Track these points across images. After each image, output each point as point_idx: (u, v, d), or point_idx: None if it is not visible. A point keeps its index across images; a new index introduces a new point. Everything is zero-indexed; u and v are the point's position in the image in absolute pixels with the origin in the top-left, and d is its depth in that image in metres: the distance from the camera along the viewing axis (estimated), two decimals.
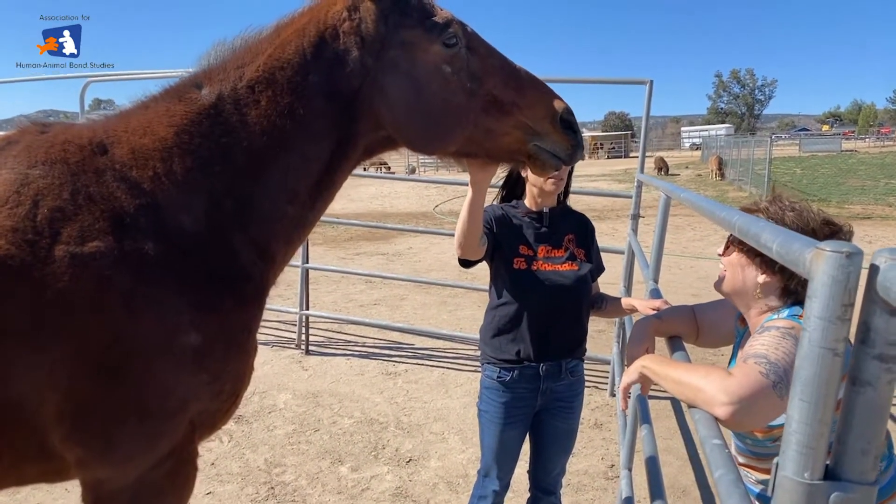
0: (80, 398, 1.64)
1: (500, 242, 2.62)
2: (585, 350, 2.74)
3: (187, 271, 1.77)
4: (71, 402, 1.63)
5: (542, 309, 2.56)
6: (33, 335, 1.58)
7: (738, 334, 1.90)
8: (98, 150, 1.79)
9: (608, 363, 5.37)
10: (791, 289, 1.67)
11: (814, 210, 1.74)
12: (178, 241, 1.78)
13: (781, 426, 1.14)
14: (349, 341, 6.53)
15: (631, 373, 1.67)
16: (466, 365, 5.83)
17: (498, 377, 2.61)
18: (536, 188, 2.64)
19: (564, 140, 1.98)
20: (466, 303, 7.98)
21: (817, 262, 0.75)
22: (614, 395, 5.11)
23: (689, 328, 2.03)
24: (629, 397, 1.81)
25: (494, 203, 2.79)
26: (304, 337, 6.12)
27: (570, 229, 2.67)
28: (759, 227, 1.07)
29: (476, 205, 2.37)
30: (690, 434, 4.35)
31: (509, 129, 1.98)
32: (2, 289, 1.54)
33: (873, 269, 0.73)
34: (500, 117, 1.97)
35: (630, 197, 5.27)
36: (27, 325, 1.57)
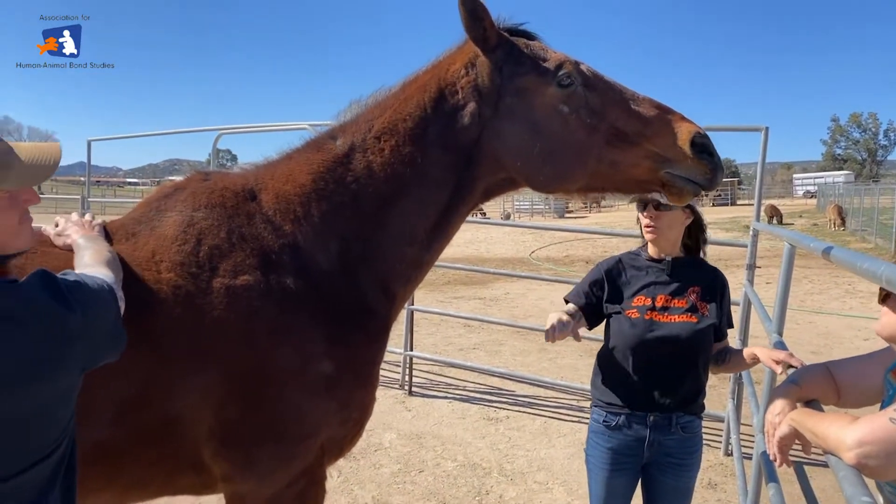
0: (228, 418, 1.80)
1: (612, 295, 2.64)
2: (703, 407, 2.64)
3: (322, 306, 1.93)
4: (220, 421, 1.80)
5: (653, 359, 2.52)
6: (194, 358, 1.77)
7: (892, 388, 1.79)
8: (249, 195, 2.02)
9: (722, 420, 5.10)
10: None
11: None
12: (315, 279, 1.95)
13: None
14: (450, 384, 6.59)
15: (782, 427, 1.64)
16: (569, 415, 5.72)
17: (604, 421, 2.58)
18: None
19: (699, 164, 1.93)
20: (567, 351, 7.85)
21: None
22: (729, 455, 4.83)
23: (827, 389, 1.93)
24: (785, 453, 1.74)
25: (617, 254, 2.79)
26: (407, 378, 6.25)
27: (697, 281, 2.60)
28: None
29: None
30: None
31: (638, 159, 1.97)
32: (172, 314, 1.75)
33: None
34: (627, 149, 1.96)
35: (744, 246, 5.08)
36: (189, 348, 1.76)
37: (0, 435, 1.15)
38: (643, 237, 2.69)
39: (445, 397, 6.16)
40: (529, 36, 2.10)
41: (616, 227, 23.19)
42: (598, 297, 2.66)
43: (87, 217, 1.92)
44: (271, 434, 1.83)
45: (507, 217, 31.53)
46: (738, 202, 52.45)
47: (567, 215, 40.64)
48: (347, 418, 1.98)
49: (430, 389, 6.39)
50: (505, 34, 2.03)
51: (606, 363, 2.64)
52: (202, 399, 1.77)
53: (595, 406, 2.66)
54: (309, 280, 1.93)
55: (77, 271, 1.44)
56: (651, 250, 2.68)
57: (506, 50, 2.01)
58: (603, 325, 2.74)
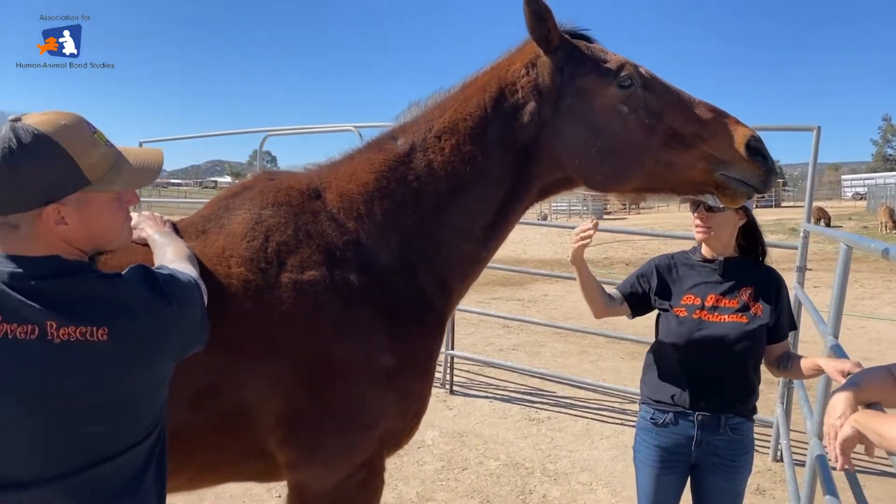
0: (294, 407, 1.87)
1: (661, 291, 2.66)
2: (755, 410, 2.61)
3: (383, 301, 1.99)
4: (287, 410, 1.87)
5: (701, 358, 2.52)
6: (262, 349, 1.84)
7: None
8: (313, 194, 2.08)
9: (769, 425, 5.00)
10: None
11: None
12: (377, 274, 2.00)
13: None
14: (490, 384, 6.62)
15: (845, 429, 1.62)
16: (612, 417, 5.68)
17: (651, 418, 2.59)
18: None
19: (754, 167, 1.98)
20: (609, 354, 7.80)
21: None
22: (778, 460, 4.74)
23: (890, 391, 1.90)
24: (847, 456, 1.71)
25: (670, 253, 2.80)
26: (448, 376, 6.30)
27: (750, 282, 2.58)
28: None
29: (581, 279, 2.68)
30: None
31: (693, 160, 2.02)
32: (242, 307, 1.83)
33: None
34: (683, 150, 2.01)
35: (793, 248, 4.98)
36: (259, 340, 1.83)
37: (118, 412, 1.25)
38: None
39: (486, 397, 6.19)
40: (588, 39, 2.14)
41: (656, 228, 22.86)
42: (645, 290, 2.70)
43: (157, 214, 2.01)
44: (335, 424, 1.89)
45: (544, 218, 31.33)
46: (783, 204, 51.04)
47: (605, 217, 40.15)
48: (406, 410, 2.03)
49: (470, 389, 6.42)
50: (566, 36, 2.08)
51: (655, 360, 2.67)
52: (270, 388, 1.84)
53: (643, 403, 2.68)
54: (371, 276, 1.98)
55: (160, 264, 1.53)
56: (704, 250, 2.67)
57: (567, 51, 2.05)
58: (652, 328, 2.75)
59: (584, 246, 2.54)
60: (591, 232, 2.51)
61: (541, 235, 23.13)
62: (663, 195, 2.23)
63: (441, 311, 2.16)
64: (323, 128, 7.26)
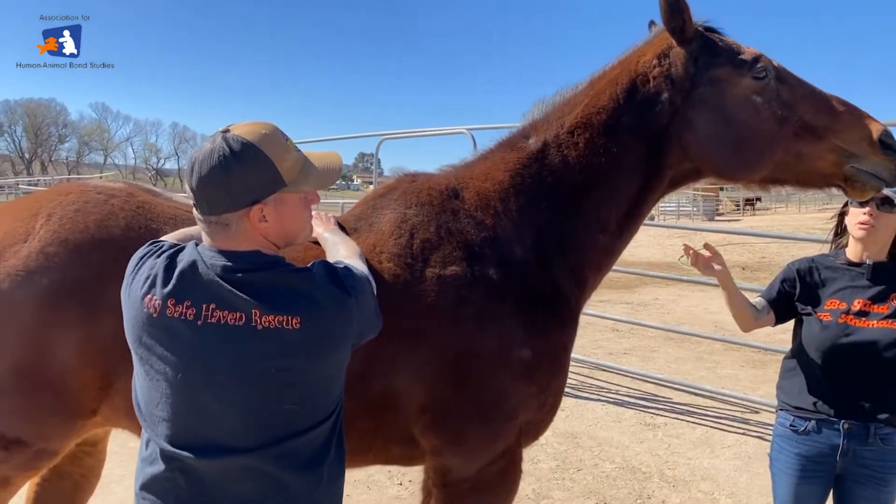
0: (438, 396, 1.99)
1: (803, 295, 2.56)
2: None
3: (520, 294, 2.07)
4: (431, 398, 1.99)
5: (847, 364, 2.40)
6: (409, 339, 1.97)
7: None
8: (452, 194, 2.20)
9: None
10: None
11: None
12: (513, 269, 2.09)
13: None
14: (602, 387, 6.54)
15: None
16: (733, 426, 5.45)
17: (791, 425, 2.50)
18: (853, 238, 2.51)
19: (886, 160, 2.02)
20: (727, 361, 7.47)
21: None
22: None
23: None
24: None
25: (809, 256, 2.70)
26: None
27: None
28: None
29: (728, 294, 2.59)
30: None
31: (823, 153, 2.07)
32: (391, 299, 1.97)
33: None
34: (813, 142, 2.07)
35: None
36: (406, 331, 1.97)
37: (308, 392, 1.42)
38: (831, 237, 2.66)
39: (598, 400, 6.12)
40: (718, 33, 2.18)
41: (773, 230, 21.45)
42: (790, 294, 2.61)
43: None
44: (479, 413, 1.99)
45: (651, 218, 30.29)
46: None
47: (717, 218, 38.09)
48: (544, 403, 2.10)
49: (581, 391, 6.38)
50: (700, 27, 2.13)
51: (794, 366, 2.57)
52: (416, 377, 1.97)
53: (781, 410, 2.58)
54: (508, 270, 2.08)
55: (334, 259, 1.69)
56: (851, 253, 2.54)
57: (701, 42, 2.12)
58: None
59: (713, 267, 2.53)
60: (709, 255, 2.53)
61: (649, 237, 22.35)
62: (788, 186, 2.28)
63: (575, 304, 2.22)
64: (436, 131, 7.49)
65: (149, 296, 1.38)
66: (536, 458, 4.73)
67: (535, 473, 4.49)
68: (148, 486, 1.41)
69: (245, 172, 1.36)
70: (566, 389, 6.48)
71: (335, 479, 1.51)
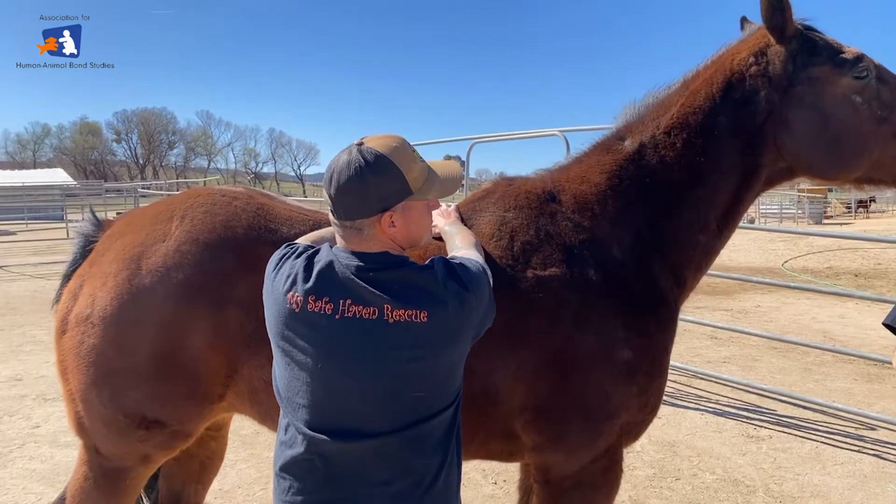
0: (539, 394, 2.02)
1: None
2: None
3: (619, 295, 2.08)
4: (532, 396, 2.03)
5: None
6: (510, 339, 2.02)
7: None
8: (549, 197, 2.23)
9: None
10: None
11: None
12: (612, 270, 2.10)
13: None
14: (700, 396, 6.30)
15: None
16: (846, 443, 5.11)
17: None
18: None
19: None
20: (838, 373, 6.99)
21: None
22: None
23: None
24: None
25: None
26: None
27: None
28: None
29: None
30: None
31: None
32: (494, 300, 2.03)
33: None
34: None
35: None
36: (507, 331, 2.02)
37: (434, 381, 1.52)
38: None
39: (697, 409, 5.91)
40: (817, 31, 2.16)
41: (890, 234, 19.83)
42: None
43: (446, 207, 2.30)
44: (580, 411, 2.02)
45: (751, 221, 28.70)
46: None
47: (825, 221, 35.58)
48: (645, 403, 2.10)
49: (678, 399, 6.18)
50: (800, 26, 2.11)
51: None
52: (516, 374, 2.02)
53: None
54: (607, 271, 2.09)
55: (451, 253, 1.77)
56: None
57: (801, 40, 2.10)
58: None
59: None
60: None
61: (749, 241, 21.22)
62: (884, 187, 2.23)
63: (674, 304, 2.20)
64: (528, 133, 7.49)
65: (291, 292, 1.51)
66: (633, 465, 4.64)
67: (632, 480, 4.41)
68: (287, 468, 1.54)
69: (378, 182, 1.48)
70: (663, 398, 6.33)
71: (456, 465, 1.59)
